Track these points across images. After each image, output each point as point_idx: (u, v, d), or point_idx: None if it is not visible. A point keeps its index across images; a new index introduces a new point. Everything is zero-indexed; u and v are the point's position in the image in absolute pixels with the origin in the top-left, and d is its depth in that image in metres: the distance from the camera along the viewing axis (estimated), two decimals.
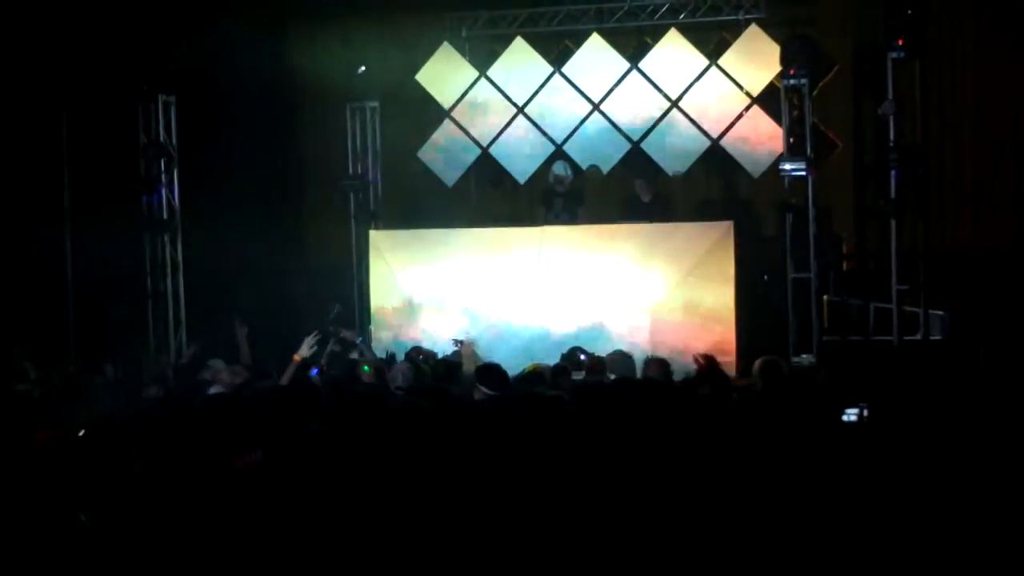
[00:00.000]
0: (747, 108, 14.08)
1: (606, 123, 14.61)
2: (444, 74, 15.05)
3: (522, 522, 4.56)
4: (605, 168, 14.50)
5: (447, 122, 15.09)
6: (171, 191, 14.37)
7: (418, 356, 10.81)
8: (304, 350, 8.47)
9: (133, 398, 8.02)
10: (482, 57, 15.05)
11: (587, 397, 6.92)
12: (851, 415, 6.69)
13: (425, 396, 6.62)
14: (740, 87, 14.10)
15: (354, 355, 10.36)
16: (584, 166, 14.43)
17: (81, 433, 6.39)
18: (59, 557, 3.99)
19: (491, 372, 8.20)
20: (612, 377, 9.14)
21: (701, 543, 4.38)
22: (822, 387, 7.39)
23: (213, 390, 8.46)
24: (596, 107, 14.62)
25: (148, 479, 5.09)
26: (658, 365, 8.88)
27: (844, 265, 14.14)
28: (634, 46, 14.67)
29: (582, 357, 10.35)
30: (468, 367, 9.08)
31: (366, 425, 5.78)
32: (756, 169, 14.03)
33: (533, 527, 4.55)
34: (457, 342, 11.01)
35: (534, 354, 10.93)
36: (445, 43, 14.98)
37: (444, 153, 15.15)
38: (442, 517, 4.35)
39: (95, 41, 13.55)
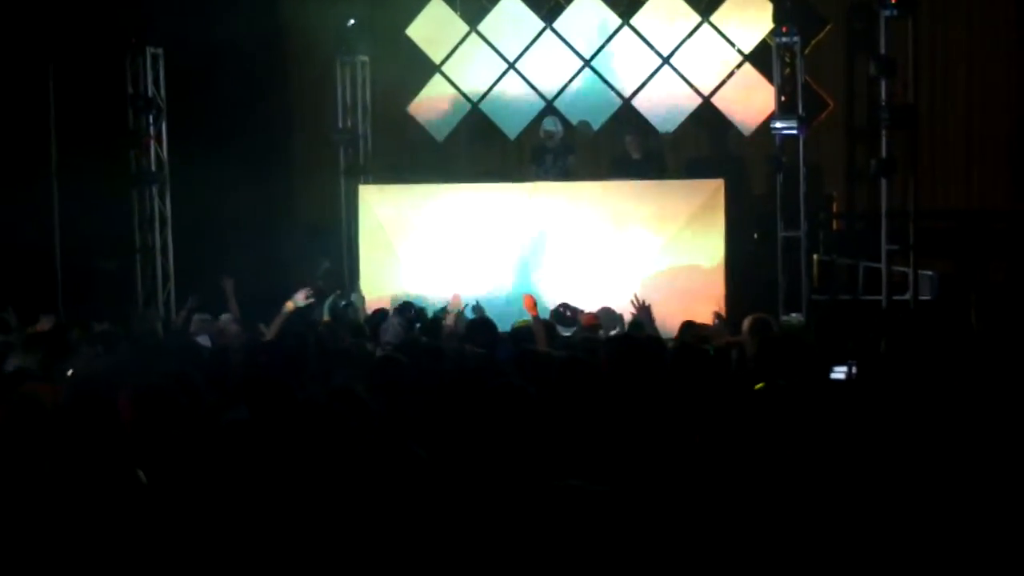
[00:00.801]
0: (739, 66, 14.03)
1: (597, 79, 14.55)
2: (435, 28, 14.96)
3: (516, 480, 4.55)
4: (596, 124, 14.46)
5: (437, 77, 15.02)
6: (159, 145, 14.29)
7: (409, 311, 10.79)
8: (300, 298, 8.41)
9: (119, 351, 7.97)
10: (473, 12, 14.95)
11: (584, 353, 6.88)
12: (839, 373, 6.69)
13: (413, 353, 6.60)
14: (732, 44, 14.03)
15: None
16: (574, 122, 14.39)
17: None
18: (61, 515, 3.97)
19: (481, 329, 8.17)
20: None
21: (690, 500, 4.38)
22: (811, 346, 7.38)
23: (200, 339, 8.43)
24: (587, 63, 14.55)
25: (137, 432, 5.06)
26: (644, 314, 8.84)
27: (834, 224, 14.15)
28: (626, 2, 14.56)
29: (567, 313, 10.33)
30: (450, 322, 9.04)
31: (348, 381, 5.76)
32: (747, 127, 13.99)
33: (527, 485, 4.54)
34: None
35: (522, 310, 10.90)
36: None
37: (434, 108, 15.08)
38: (431, 474, 4.33)
39: None
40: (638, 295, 9.08)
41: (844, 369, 6.66)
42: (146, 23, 13.96)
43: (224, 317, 9.35)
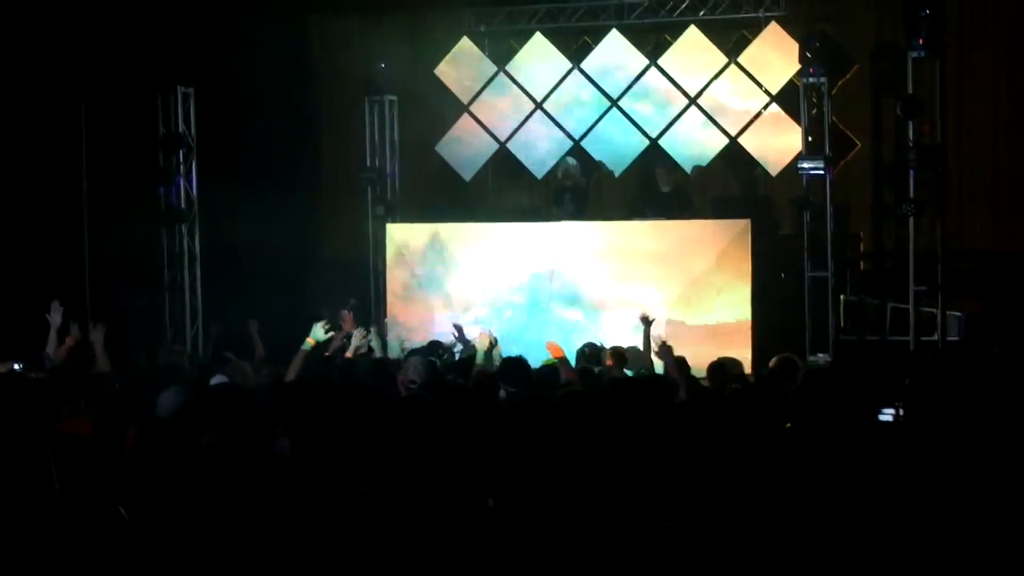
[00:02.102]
0: (766, 106, 14.06)
1: (624, 119, 14.59)
2: (463, 68, 15.06)
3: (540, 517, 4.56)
4: (622, 165, 14.50)
5: (465, 116, 15.09)
6: (189, 182, 14.40)
7: (438, 351, 10.78)
8: (320, 332, 8.36)
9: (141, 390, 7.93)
10: (501, 52, 15.06)
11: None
12: (887, 415, 6.62)
13: (438, 392, 6.57)
14: (759, 85, 14.06)
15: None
16: (600, 161, 14.46)
17: None
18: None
19: (515, 370, 7.95)
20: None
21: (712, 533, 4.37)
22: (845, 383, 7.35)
23: (216, 379, 8.39)
24: (614, 103, 14.60)
25: (141, 472, 5.06)
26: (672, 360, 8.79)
27: (861, 264, 14.13)
28: (653, 42, 14.64)
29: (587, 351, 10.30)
30: (480, 359, 8.99)
31: (372, 419, 5.75)
32: (774, 167, 14.01)
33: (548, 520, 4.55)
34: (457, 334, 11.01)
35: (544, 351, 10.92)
36: (464, 37, 14.97)
37: (462, 147, 15.14)
38: (458, 513, 4.35)
39: (115, 31, 13.57)
40: (658, 336, 9.02)
41: (892, 411, 6.61)
42: (177, 62, 14.09)
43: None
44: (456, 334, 11.17)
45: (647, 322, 9.88)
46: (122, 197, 13.65)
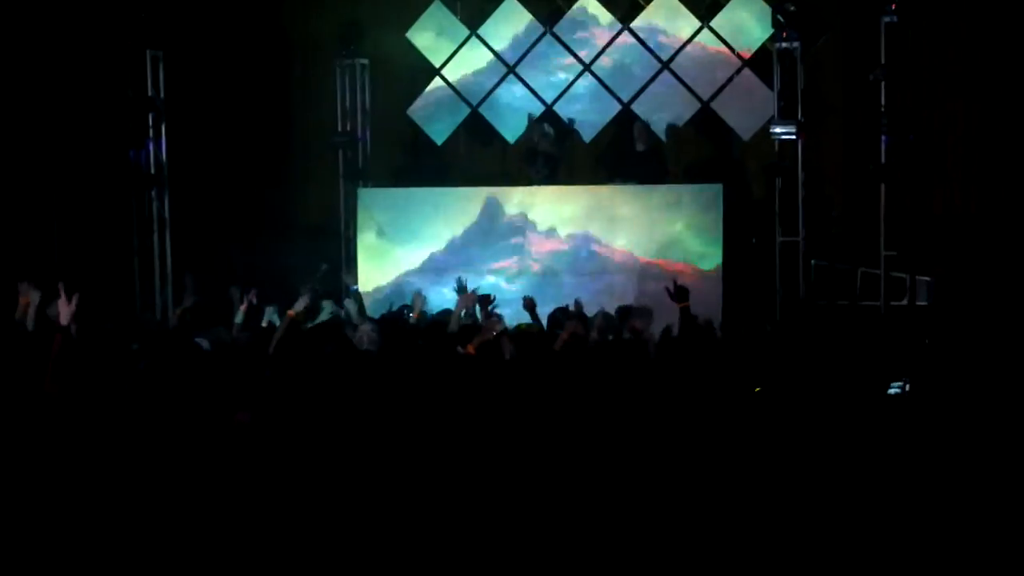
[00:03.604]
0: (738, 71, 14.04)
1: (596, 83, 14.55)
2: (435, 32, 14.96)
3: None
4: (595, 129, 14.46)
5: (437, 80, 15.01)
6: (159, 147, 14.29)
7: (407, 313, 10.79)
8: (300, 305, 8.38)
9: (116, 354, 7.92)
10: (473, 15, 14.97)
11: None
12: (894, 389, 6.59)
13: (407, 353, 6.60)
14: (732, 49, 14.05)
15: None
16: (573, 126, 14.43)
17: None
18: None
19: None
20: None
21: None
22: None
23: (199, 341, 8.39)
24: (587, 67, 14.56)
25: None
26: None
27: (833, 229, 14.17)
28: (626, 6, 14.59)
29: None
30: (454, 327, 9.02)
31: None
32: (746, 132, 14.01)
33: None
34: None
35: (521, 315, 10.93)
36: (436, 1, 14.88)
37: (434, 111, 15.07)
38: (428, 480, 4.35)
39: None
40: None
41: (900, 384, 6.59)
42: (147, 26, 13.96)
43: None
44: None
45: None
46: (91, 162, 13.56)
